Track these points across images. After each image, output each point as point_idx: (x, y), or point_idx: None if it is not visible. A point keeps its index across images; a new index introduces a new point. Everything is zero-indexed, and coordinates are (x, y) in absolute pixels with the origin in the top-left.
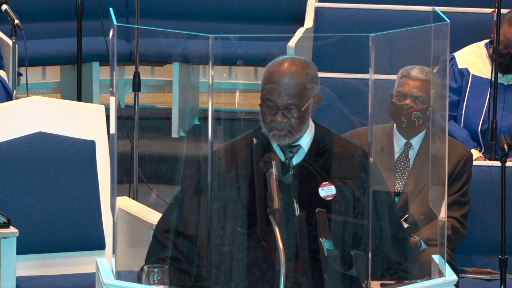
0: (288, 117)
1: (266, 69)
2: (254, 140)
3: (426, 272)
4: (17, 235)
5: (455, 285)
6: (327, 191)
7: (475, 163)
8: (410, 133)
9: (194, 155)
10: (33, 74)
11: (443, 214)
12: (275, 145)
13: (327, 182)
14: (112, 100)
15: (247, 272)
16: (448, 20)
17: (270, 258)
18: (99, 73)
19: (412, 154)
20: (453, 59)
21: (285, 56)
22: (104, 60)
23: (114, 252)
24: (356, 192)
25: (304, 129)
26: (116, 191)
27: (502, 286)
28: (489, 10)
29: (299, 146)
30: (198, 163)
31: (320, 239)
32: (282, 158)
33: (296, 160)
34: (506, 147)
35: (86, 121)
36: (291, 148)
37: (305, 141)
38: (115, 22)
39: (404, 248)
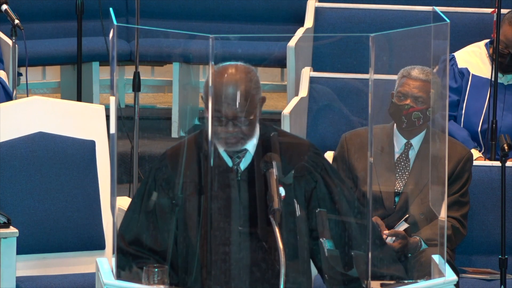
0: (239, 126)
1: (208, 79)
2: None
3: (426, 272)
4: (17, 235)
5: (455, 285)
6: None
7: (475, 163)
8: (410, 133)
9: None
10: (33, 74)
11: (443, 214)
12: (221, 150)
13: None
14: (112, 100)
15: (247, 272)
16: (448, 20)
17: (270, 258)
18: (99, 73)
19: (412, 154)
20: (453, 59)
21: (225, 63)
22: (104, 60)
23: (114, 252)
24: (308, 187)
25: (254, 134)
26: (116, 191)
27: (502, 286)
28: (489, 10)
29: (246, 150)
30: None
31: (320, 239)
32: (230, 164)
33: (244, 164)
34: (506, 147)
35: (86, 121)
36: (238, 153)
37: (251, 144)
38: (115, 22)
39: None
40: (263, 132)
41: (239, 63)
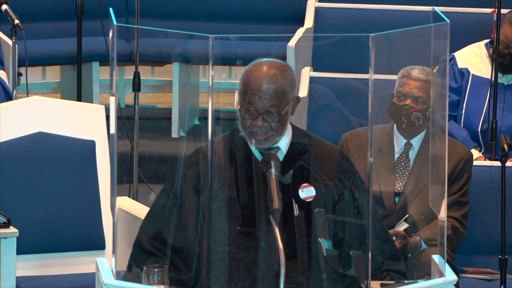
0: (269, 121)
1: (243, 73)
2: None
3: (426, 272)
4: (17, 235)
5: (455, 285)
6: (307, 192)
7: (475, 163)
8: (410, 133)
9: None
10: (33, 74)
11: (443, 214)
12: (253, 147)
13: (306, 184)
14: (112, 100)
15: (246, 272)
16: (448, 20)
17: (269, 258)
18: (99, 73)
19: (412, 154)
20: (453, 59)
21: (262, 59)
22: (104, 60)
23: (114, 252)
24: (336, 193)
25: (284, 132)
26: (116, 191)
27: (502, 286)
28: (489, 10)
29: (278, 148)
30: (179, 165)
31: (319, 239)
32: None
33: None
34: (506, 147)
35: (86, 121)
36: (270, 150)
37: (284, 143)
38: (115, 22)
39: (389, 246)
40: (295, 134)
41: (276, 59)
